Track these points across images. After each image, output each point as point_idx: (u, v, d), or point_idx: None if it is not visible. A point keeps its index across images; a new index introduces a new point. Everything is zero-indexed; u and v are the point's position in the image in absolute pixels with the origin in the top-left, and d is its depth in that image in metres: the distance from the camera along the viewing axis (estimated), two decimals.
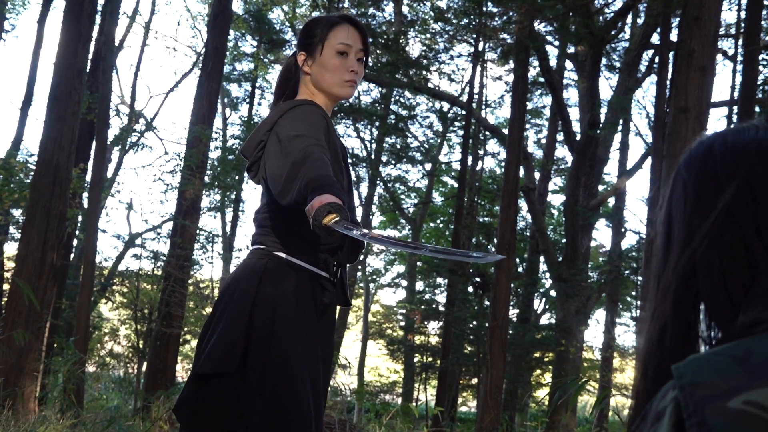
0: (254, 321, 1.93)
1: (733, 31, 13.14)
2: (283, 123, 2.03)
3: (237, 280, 2.03)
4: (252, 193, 20.82)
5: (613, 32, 14.49)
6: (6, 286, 10.73)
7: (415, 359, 17.45)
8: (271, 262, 2.01)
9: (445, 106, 17.90)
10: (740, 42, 11.12)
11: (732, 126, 0.89)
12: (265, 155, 2.04)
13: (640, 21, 15.13)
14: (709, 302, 0.84)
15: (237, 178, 12.04)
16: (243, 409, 1.88)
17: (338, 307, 2.25)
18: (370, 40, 14.46)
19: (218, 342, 1.93)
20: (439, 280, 17.81)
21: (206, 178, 11.18)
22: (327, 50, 2.17)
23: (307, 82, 2.21)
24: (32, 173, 8.19)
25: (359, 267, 19.78)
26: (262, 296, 1.95)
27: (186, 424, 1.96)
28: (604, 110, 14.81)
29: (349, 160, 2.37)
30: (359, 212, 18.56)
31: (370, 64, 15.18)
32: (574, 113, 16.21)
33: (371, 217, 18.79)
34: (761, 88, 10.96)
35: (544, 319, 18.67)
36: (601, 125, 14.12)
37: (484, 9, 12.31)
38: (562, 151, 18.05)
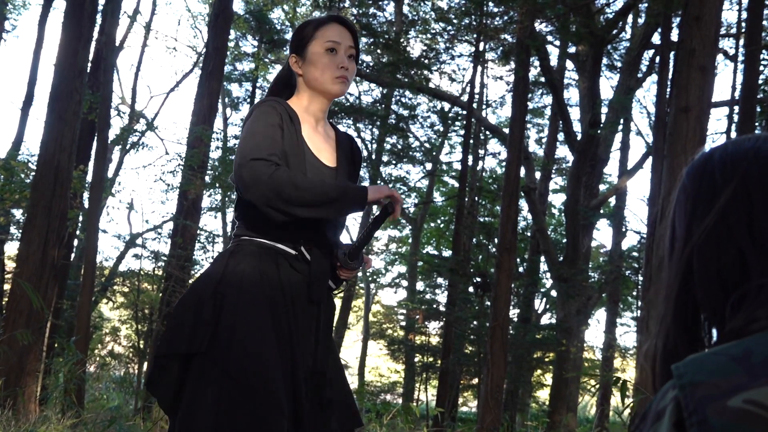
0: (220, 299, 1.98)
1: (734, 30, 13.13)
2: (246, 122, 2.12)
3: (208, 267, 2.11)
4: None
5: (613, 32, 14.47)
6: (6, 286, 10.73)
7: (416, 359, 17.44)
8: (237, 246, 2.08)
9: (446, 106, 17.89)
10: (741, 42, 11.12)
11: (735, 137, 0.91)
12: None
13: (640, 21, 15.13)
14: (706, 302, 0.85)
15: None
16: (207, 386, 1.91)
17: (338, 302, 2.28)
18: (372, 40, 14.37)
19: (183, 322, 1.98)
20: (440, 280, 17.80)
21: (207, 178, 11.19)
22: (316, 49, 2.20)
23: (301, 83, 2.25)
24: (33, 173, 8.19)
25: (359, 267, 19.73)
26: (227, 275, 2.01)
27: (161, 399, 2.02)
28: (604, 110, 14.80)
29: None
30: (359, 213, 18.55)
31: (371, 64, 15.24)
32: (574, 113, 16.22)
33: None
34: (762, 88, 10.95)
35: (545, 319, 18.68)
36: (601, 125, 14.11)
37: (485, 9, 12.29)
38: (563, 151, 18.08)
